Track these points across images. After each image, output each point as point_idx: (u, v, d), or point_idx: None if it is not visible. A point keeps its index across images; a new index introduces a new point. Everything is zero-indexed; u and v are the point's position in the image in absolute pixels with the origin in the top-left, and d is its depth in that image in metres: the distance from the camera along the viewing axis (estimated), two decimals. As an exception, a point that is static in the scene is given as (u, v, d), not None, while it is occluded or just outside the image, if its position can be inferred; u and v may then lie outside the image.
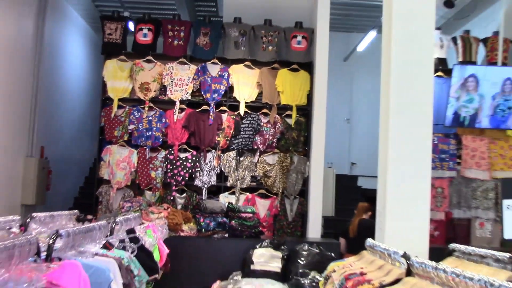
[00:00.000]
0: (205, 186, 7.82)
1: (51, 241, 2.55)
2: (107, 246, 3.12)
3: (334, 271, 3.39)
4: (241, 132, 7.87)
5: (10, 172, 7.45)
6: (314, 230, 7.54)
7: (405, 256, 2.79)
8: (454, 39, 8.53)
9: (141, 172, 7.82)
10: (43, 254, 2.49)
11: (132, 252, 3.27)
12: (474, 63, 8.32)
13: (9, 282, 1.79)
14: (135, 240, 3.39)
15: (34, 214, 3.72)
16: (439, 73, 7.98)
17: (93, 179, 8.43)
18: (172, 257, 5.48)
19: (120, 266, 2.85)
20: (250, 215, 6.58)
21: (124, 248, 3.27)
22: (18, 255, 2.14)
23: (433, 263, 2.42)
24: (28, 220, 3.60)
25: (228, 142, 7.88)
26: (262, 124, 7.93)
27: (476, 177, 7.85)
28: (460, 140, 7.92)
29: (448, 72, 7.91)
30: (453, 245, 3.36)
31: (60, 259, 2.44)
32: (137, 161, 7.82)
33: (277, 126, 7.94)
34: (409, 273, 2.75)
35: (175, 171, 7.76)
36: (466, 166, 7.85)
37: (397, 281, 2.75)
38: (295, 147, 7.97)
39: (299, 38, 8.19)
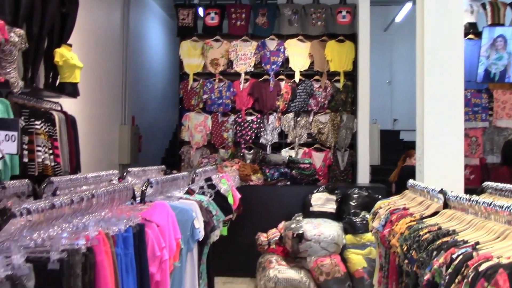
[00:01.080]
0: (269, 143, 7.86)
1: (144, 188, 2.64)
2: (189, 192, 3.20)
3: (381, 208, 3.37)
4: (297, 97, 7.82)
5: (109, 138, 7.69)
6: (363, 177, 7.49)
7: (442, 192, 2.74)
8: (483, 5, 8.10)
9: (215, 133, 7.93)
10: (138, 199, 2.59)
11: (210, 196, 3.34)
12: (502, 25, 7.89)
13: (112, 218, 1.87)
14: (212, 186, 3.45)
15: (130, 169, 3.85)
16: (470, 36, 7.63)
17: (176, 142, 8.63)
18: (243, 202, 5.58)
19: (201, 207, 2.92)
20: (308, 165, 6.59)
21: (203, 193, 3.35)
22: (118, 198, 2.23)
23: (467, 196, 2.36)
24: (125, 173, 3.73)
25: (286, 105, 7.85)
26: (314, 89, 7.86)
27: (507, 126, 7.56)
28: (491, 94, 7.61)
29: (478, 35, 7.56)
30: (486, 183, 3.26)
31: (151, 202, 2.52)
32: (211, 125, 7.93)
33: (327, 90, 7.85)
34: (446, 206, 2.70)
35: (243, 132, 7.81)
36: (497, 117, 7.56)
37: (435, 213, 2.71)
38: (344, 107, 7.86)
39: (344, 13, 7.99)
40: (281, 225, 6.03)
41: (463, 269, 1.71)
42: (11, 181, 2.45)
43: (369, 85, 7.59)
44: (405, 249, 2.32)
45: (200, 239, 2.73)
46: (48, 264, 1.42)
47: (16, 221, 1.51)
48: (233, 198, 4.27)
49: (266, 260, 5.80)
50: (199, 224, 2.71)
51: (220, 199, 3.44)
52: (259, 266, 5.87)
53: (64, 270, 1.43)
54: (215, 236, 3.70)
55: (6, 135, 2.11)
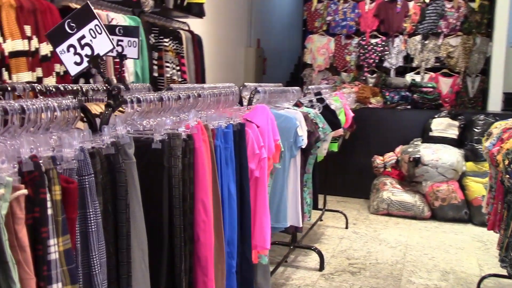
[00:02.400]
0: (393, 67, 7.63)
1: (251, 95, 2.81)
2: (298, 104, 3.32)
3: (496, 128, 3.24)
4: (426, 18, 7.41)
5: (235, 59, 7.99)
6: (494, 104, 7.03)
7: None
8: None
9: (337, 56, 7.87)
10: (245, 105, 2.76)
11: (318, 110, 3.43)
12: None
13: (214, 115, 2.05)
14: (321, 100, 3.54)
15: (246, 83, 4.03)
16: None
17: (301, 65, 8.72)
18: (361, 125, 5.60)
19: (306, 118, 3.03)
20: (431, 89, 6.35)
21: (312, 107, 3.45)
22: (224, 101, 2.42)
23: None
24: (241, 87, 3.93)
25: (414, 27, 7.50)
26: (446, 9, 7.37)
27: None
28: None
29: None
30: None
31: (256, 109, 2.68)
32: (334, 47, 7.86)
33: (460, 10, 7.32)
34: None
35: (367, 55, 7.66)
36: None
37: (551, 132, 2.57)
38: (478, 29, 7.30)
39: None
40: (398, 149, 5.98)
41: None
42: (135, 84, 2.75)
43: (508, 5, 6.94)
44: (506, 163, 2.26)
45: (303, 147, 2.87)
46: (152, 144, 1.64)
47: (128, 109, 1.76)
48: (346, 116, 4.31)
49: (381, 182, 5.84)
50: (302, 132, 2.84)
51: (328, 113, 3.52)
52: (373, 188, 5.94)
53: (165, 150, 1.65)
54: (323, 150, 3.83)
55: (128, 41, 2.37)
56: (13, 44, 3.12)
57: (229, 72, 7.70)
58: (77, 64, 1.62)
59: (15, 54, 3.13)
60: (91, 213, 1.26)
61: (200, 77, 5.73)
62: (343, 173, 6.26)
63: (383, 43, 7.58)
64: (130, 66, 4.40)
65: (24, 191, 1.06)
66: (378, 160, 6.02)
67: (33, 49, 3.23)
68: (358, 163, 6.28)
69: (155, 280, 1.64)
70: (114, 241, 1.39)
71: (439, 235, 5.05)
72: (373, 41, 7.65)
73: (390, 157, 5.97)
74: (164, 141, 1.65)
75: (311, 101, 3.51)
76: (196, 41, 5.66)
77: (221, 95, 2.39)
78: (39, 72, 3.32)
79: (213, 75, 6.63)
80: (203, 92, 2.25)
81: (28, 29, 3.21)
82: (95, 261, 1.27)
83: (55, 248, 1.12)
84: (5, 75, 3.08)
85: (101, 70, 1.70)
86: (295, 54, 11.59)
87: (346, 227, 5.16)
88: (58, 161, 1.19)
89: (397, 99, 6.34)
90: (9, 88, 1.84)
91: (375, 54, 7.61)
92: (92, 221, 1.26)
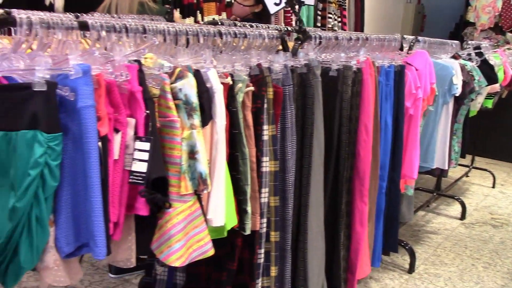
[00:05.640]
0: None
1: (411, 43, 3.09)
2: (456, 56, 3.50)
3: None
4: None
5: (393, 15, 8.06)
6: None
7: None
8: None
9: (504, 15, 7.56)
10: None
11: (475, 63, 3.58)
12: None
13: (379, 55, 2.41)
14: (479, 54, 3.67)
15: (405, 36, 4.26)
16: None
17: (461, 25, 8.49)
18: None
19: (462, 69, 3.23)
20: None
21: (469, 60, 3.61)
22: (387, 46, 2.76)
23: None
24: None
25: None
26: None
27: None
28: None
29: None
30: None
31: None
32: (501, 6, 7.57)
33: None
34: None
35: (538, 15, 7.28)
36: None
37: None
38: None
39: None
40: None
41: None
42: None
43: None
44: None
45: (457, 95, 3.09)
46: (330, 72, 2.06)
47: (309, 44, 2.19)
48: (505, 74, 4.34)
49: (537, 147, 5.73)
50: (457, 81, 3.06)
51: (486, 67, 3.64)
52: (528, 152, 5.84)
53: (340, 77, 2.06)
54: (477, 103, 3.98)
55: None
56: (207, -9, 3.74)
57: (386, 27, 7.82)
58: (276, 4, 2.07)
59: (208, -1, 3.75)
60: (288, 113, 1.73)
61: (359, 30, 6.03)
62: (496, 135, 6.20)
63: (559, 2, 7.14)
64: (297, 15, 4.86)
65: (252, 88, 1.54)
66: (537, 124, 5.88)
67: (221, -4, 3.82)
68: (514, 126, 6.17)
69: (324, 182, 2.10)
70: (300, 139, 1.85)
71: None
72: (547, 0, 7.23)
73: (551, 122, 5.79)
74: (339, 70, 2.07)
75: (469, 54, 3.67)
76: (359, -6, 5.94)
77: (385, 40, 2.73)
78: (224, 15, 3.94)
79: (371, 29, 6.85)
80: (370, 35, 2.61)
81: (220, -21, 3.80)
82: (288, 149, 1.75)
83: (267, 132, 1.61)
84: (199, 16, 3.72)
85: (296, 10, 2.12)
86: (457, 12, 11.18)
87: (493, 187, 5.22)
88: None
89: None
90: (219, 23, 2.37)
91: (548, 14, 7.20)
92: (289, 120, 1.73)
